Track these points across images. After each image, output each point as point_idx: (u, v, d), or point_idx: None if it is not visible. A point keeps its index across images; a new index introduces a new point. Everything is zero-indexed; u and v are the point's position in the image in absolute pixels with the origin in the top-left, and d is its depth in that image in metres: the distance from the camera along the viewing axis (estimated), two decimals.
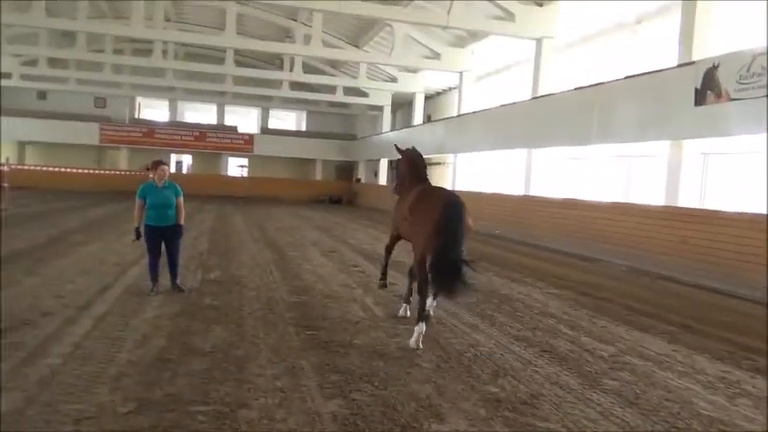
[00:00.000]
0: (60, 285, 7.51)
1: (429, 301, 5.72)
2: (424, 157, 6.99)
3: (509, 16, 18.05)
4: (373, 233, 16.96)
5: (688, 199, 12.18)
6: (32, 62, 31.93)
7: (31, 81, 34.23)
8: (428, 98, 31.63)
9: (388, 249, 7.05)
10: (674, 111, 11.72)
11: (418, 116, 29.23)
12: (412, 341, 5.61)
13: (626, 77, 13.82)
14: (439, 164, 30.41)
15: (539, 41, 18.12)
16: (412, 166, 6.84)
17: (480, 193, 21.73)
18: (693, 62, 11.38)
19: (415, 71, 28.82)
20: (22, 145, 36.10)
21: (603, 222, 13.72)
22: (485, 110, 21.08)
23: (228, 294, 7.54)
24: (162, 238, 7.33)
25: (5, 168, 20.06)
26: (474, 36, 22.56)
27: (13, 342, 5.12)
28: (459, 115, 23.37)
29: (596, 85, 14.84)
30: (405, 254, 11.78)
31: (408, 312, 6.69)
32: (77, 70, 32.43)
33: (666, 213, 12.08)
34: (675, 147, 12.30)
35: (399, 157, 7.05)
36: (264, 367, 4.83)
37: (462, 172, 24.08)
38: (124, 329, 5.73)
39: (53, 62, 31.66)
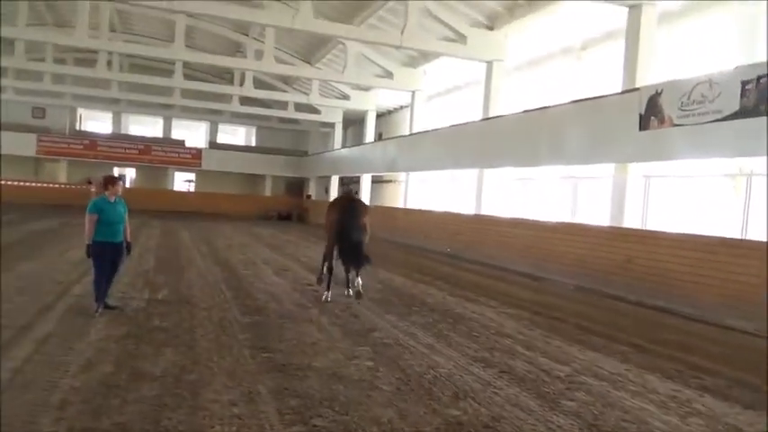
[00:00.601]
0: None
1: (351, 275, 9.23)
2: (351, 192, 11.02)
3: (461, 39, 18.40)
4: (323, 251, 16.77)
5: (632, 220, 12.60)
6: None
7: None
8: (380, 116, 31.83)
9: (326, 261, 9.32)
10: (619, 135, 12.14)
11: (370, 134, 29.35)
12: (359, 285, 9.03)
13: (573, 102, 14.26)
14: (390, 182, 30.56)
15: (489, 64, 18.53)
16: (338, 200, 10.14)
17: (431, 212, 21.91)
18: (637, 89, 11.85)
19: (367, 89, 28.97)
20: None
21: (551, 242, 14.02)
22: (436, 129, 21.34)
23: (178, 315, 7.26)
24: (112, 255, 7.07)
25: None
26: (426, 57, 22.89)
27: None
28: (410, 134, 23.58)
29: (544, 108, 15.26)
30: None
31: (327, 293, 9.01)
32: (15, 79, 31.05)
33: (612, 233, 12.45)
34: (620, 169, 12.74)
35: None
36: (220, 392, 4.65)
37: (414, 190, 24.23)
38: (68, 353, 5.42)
39: None
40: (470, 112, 22.90)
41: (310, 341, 6.39)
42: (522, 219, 16.06)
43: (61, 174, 35.64)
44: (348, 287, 9.28)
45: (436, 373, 5.53)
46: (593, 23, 16.62)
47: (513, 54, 18.98)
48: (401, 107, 31.23)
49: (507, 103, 18.74)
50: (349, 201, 9.61)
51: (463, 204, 21.70)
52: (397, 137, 27.01)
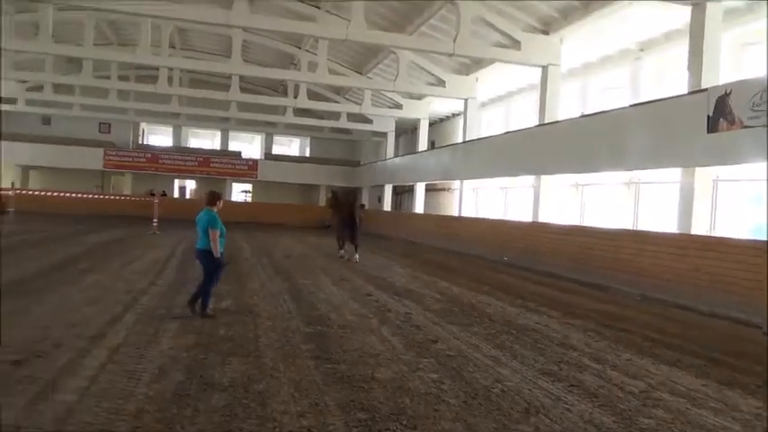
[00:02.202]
0: (69, 314, 7.35)
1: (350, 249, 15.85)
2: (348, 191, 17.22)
3: (514, 44, 18.17)
4: (381, 261, 16.80)
5: (701, 226, 12.07)
6: (38, 88, 32.11)
7: (36, 106, 34.33)
8: (432, 124, 31.73)
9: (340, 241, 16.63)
10: (686, 138, 11.68)
11: (423, 142, 29.28)
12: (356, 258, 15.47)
13: (635, 105, 13.83)
14: (443, 190, 30.40)
15: (544, 69, 18.19)
16: (340, 198, 17.17)
17: (487, 220, 21.64)
18: (705, 89, 11.38)
19: (419, 98, 28.96)
20: (25, 170, 36.16)
21: (614, 250, 13.58)
22: (490, 136, 21.13)
23: (243, 324, 7.38)
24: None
25: (11, 193, 20.02)
26: (479, 63, 22.73)
27: (26, 376, 4.95)
28: (464, 142, 23.41)
29: (603, 112, 14.86)
30: (414, 281, 11.68)
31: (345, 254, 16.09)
32: (82, 96, 32.57)
33: (680, 241, 11.95)
34: (687, 173, 12.23)
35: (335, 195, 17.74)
36: (288, 403, 4.66)
37: (468, 198, 23.98)
38: (140, 362, 5.56)
39: (58, 88, 31.80)
40: (525, 118, 22.61)
41: (373, 352, 6.36)
42: (582, 226, 15.67)
43: (126, 186, 37.13)
44: (345, 255, 16.15)
45: (503, 386, 5.40)
46: (652, 24, 16.12)
47: (568, 58, 18.60)
48: (453, 115, 31.10)
49: (564, 108, 18.37)
50: (349, 204, 16.41)
51: (519, 212, 21.37)
52: (450, 145, 26.89)
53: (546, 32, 18.34)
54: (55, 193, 29.35)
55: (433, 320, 8.31)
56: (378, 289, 11.02)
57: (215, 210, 7.64)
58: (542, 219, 17.48)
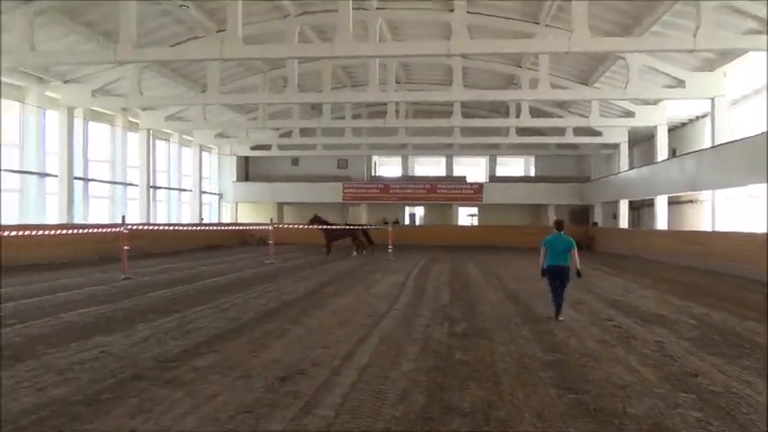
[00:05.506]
0: (323, 336, 8.06)
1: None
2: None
3: None
4: (620, 282, 15.57)
5: None
6: (287, 133, 36.77)
7: (286, 150, 39.50)
8: (671, 130, 28.79)
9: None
10: None
11: (662, 151, 26.63)
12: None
13: None
14: (690, 202, 27.34)
15: None
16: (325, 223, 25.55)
17: (749, 234, 18.78)
18: None
19: (654, 103, 26.58)
20: (280, 206, 41.41)
21: None
22: (748, 137, 18.39)
23: (477, 349, 7.34)
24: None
25: (270, 228, 23.09)
26: (725, 56, 20.11)
27: (290, 391, 5.50)
28: (713, 146, 20.76)
29: None
30: (662, 305, 10.58)
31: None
32: (323, 136, 36.38)
33: None
34: None
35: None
36: None
37: (722, 210, 21.12)
38: (384, 382, 5.82)
39: (304, 131, 36.00)
40: None
41: (620, 383, 5.83)
42: None
43: (363, 216, 40.30)
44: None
45: None
46: None
47: None
48: (697, 117, 27.90)
49: None
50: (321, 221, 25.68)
51: None
52: (696, 151, 24.05)
53: None
54: (304, 226, 33.02)
55: (690, 350, 7.36)
56: (619, 313, 10.19)
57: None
58: None
